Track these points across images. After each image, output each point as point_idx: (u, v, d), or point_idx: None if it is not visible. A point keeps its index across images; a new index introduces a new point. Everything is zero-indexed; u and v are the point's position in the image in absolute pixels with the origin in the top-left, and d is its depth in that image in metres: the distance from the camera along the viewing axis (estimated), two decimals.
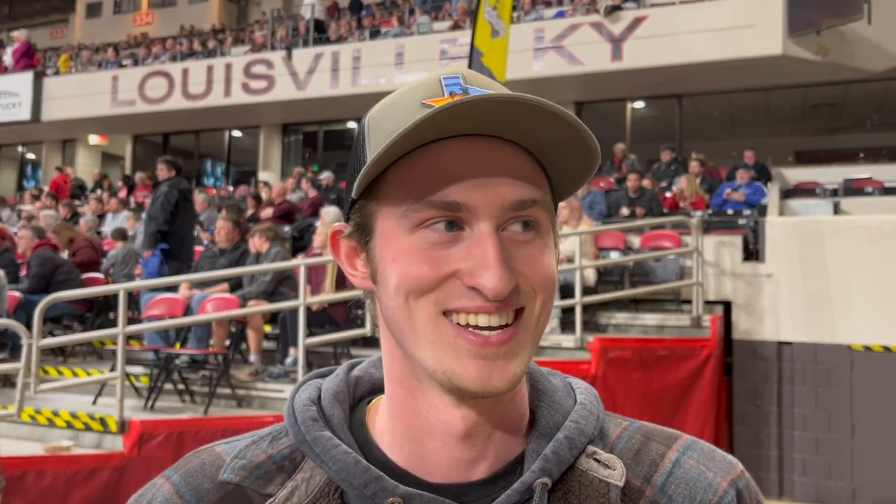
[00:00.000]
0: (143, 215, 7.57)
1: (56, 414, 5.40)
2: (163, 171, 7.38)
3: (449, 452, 0.63)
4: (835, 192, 10.40)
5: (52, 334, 6.79)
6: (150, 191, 13.61)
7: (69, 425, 5.31)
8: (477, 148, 0.59)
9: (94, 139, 19.08)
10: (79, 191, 15.28)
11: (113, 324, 6.23)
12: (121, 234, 8.21)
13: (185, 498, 0.65)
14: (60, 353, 7.24)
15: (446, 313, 0.59)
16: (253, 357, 6.16)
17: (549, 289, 0.62)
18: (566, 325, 6.89)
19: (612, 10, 12.38)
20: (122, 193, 14.29)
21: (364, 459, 0.63)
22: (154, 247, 7.05)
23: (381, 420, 0.67)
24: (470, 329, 0.59)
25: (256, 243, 6.57)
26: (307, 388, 0.70)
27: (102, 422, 5.18)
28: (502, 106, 0.56)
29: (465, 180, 0.59)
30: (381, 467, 0.63)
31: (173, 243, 7.17)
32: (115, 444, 5.02)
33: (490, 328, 0.59)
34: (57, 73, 18.52)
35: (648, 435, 0.69)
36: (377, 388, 0.71)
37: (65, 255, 7.93)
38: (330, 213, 8.10)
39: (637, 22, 12.24)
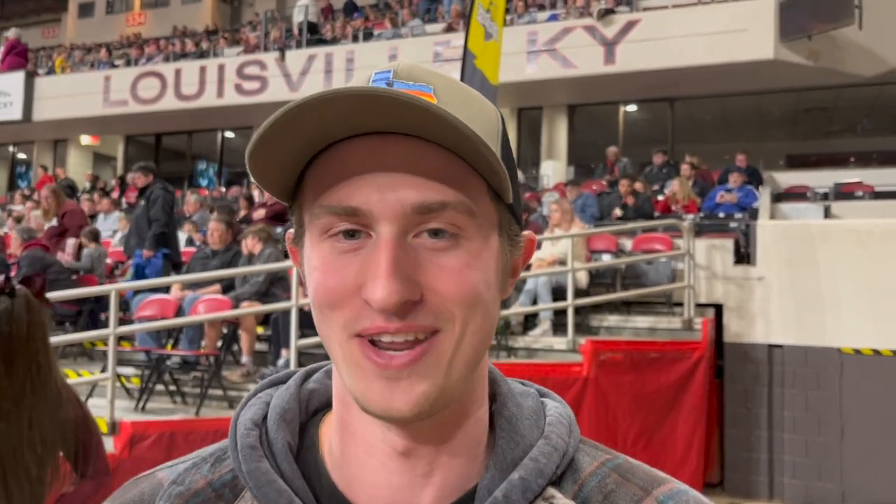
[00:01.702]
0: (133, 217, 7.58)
1: None
2: (141, 179, 7.47)
3: (388, 475, 0.58)
4: (825, 196, 10.46)
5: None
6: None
7: None
8: (383, 147, 0.53)
9: (85, 139, 19.01)
10: (69, 191, 15.22)
11: (104, 325, 6.21)
12: (94, 236, 8.10)
13: None
14: None
15: (357, 335, 0.54)
16: (245, 358, 6.15)
17: (470, 305, 0.54)
18: (558, 327, 6.91)
19: (605, 13, 12.43)
20: (115, 194, 14.23)
21: (297, 497, 0.57)
22: (157, 248, 7.12)
23: (329, 438, 0.62)
24: (373, 348, 0.53)
25: (249, 244, 6.56)
26: (253, 405, 0.64)
27: None
28: (352, 101, 0.50)
29: (366, 183, 0.53)
30: (327, 493, 0.59)
31: (171, 246, 7.31)
32: (107, 445, 4.99)
33: (394, 347, 0.53)
34: (49, 72, 18.45)
35: (627, 475, 0.60)
36: (332, 401, 0.64)
37: (54, 222, 8.12)
38: None
39: (630, 25, 12.28)
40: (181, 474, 0.61)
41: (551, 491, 0.58)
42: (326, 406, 0.65)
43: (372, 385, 0.53)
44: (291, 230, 0.61)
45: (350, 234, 0.54)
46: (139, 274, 7.16)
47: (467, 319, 0.54)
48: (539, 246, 6.75)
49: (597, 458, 0.62)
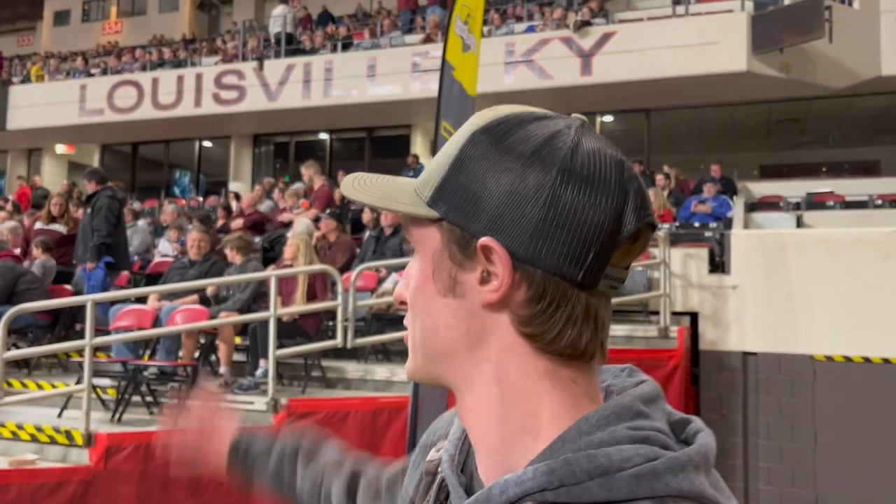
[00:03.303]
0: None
1: (20, 427, 5.31)
2: (92, 185, 7.32)
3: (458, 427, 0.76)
4: (798, 206, 10.64)
5: (16, 346, 6.68)
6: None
7: (34, 438, 5.22)
8: None
9: (61, 148, 18.82)
10: (43, 200, 15.04)
11: (79, 335, 6.15)
12: (45, 246, 7.89)
13: (439, 423, 0.84)
14: (25, 366, 7.12)
15: None
16: (223, 369, 6.12)
17: (412, 311, 0.71)
18: None
19: (582, 25, 12.57)
20: None
21: (457, 444, 0.74)
22: (98, 259, 6.99)
23: None
24: None
25: (229, 255, 6.57)
26: None
27: (68, 435, 5.11)
28: None
29: None
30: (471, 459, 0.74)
31: (116, 255, 7.17)
32: (81, 457, 4.95)
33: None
34: (24, 81, 18.25)
35: None
36: None
37: (65, 230, 8.08)
38: (301, 223, 8.10)
39: (606, 37, 12.44)
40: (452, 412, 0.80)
41: (528, 502, 0.59)
42: None
43: None
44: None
45: None
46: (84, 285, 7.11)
47: (415, 322, 0.70)
48: None
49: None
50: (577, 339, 0.64)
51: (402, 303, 0.72)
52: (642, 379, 0.70)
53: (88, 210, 7.26)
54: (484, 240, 0.63)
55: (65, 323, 7.33)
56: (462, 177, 0.65)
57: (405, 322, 0.73)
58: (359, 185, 0.73)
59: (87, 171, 7.66)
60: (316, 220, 8.71)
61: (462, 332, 0.66)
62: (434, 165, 0.69)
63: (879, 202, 10.30)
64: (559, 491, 0.59)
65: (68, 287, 7.66)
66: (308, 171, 10.21)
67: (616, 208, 0.63)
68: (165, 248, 9.64)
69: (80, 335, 5.77)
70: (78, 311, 6.76)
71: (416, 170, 12.18)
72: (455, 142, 0.68)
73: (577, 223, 0.61)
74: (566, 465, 0.59)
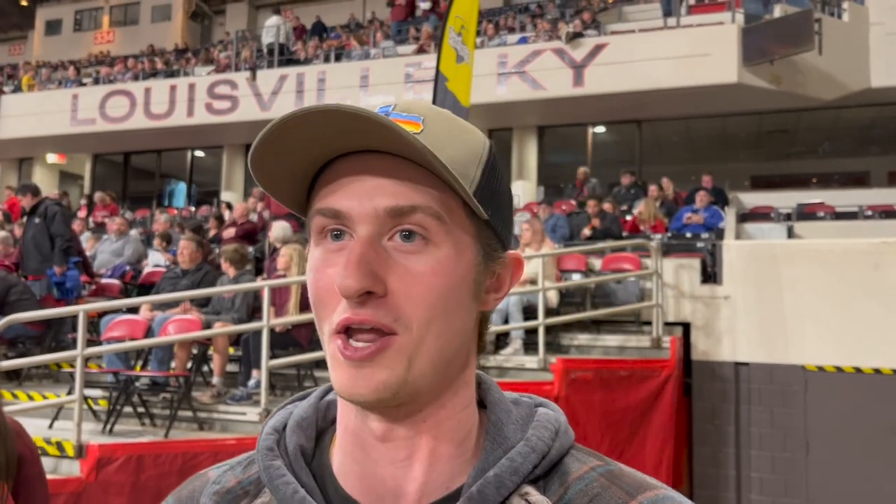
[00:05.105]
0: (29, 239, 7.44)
1: None
2: (29, 199, 7.46)
3: (374, 464, 0.64)
4: (789, 217, 10.71)
5: (6, 357, 6.64)
6: (109, 210, 13.42)
7: None
8: (367, 161, 0.61)
9: (52, 158, 18.76)
10: None
11: (70, 345, 6.12)
12: None
13: None
14: (15, 377, 7.08)
15: (335, 332, 0.61)
16: (215, 379, 6.10)
17: (429, 308, 0.60)
18: (529, 346, 6.96)
19: (574, 36, 12.65)
20: (82, 213, 14.03)
21: (302, 490, 0.64)
22: (67, 262, 7.20)
23: (336, 439, 0.69)
24: (346, 341, 0.60)
25: (223, 267, 6.57)
26: (279, 414, 0.72)
27: (59, 446, 5.07)
28: (328, 117, 0.58)
29: (349, 190, 0.61)
30: (331, 487, 0.65)
31: (77, 255, 7.46)
32: (73, 468, 4.92)
33: (362, 340, 0.60)
34: (16, 90, 18.20)
35: (615, 480, 0.63)
36: None
37: None
38: (277, 227, 8.09)
39: (598, 49, 12.51)
40: (220, 475, 0.70)
41: (527, 488, 0.62)
42: None
43: (342, 373, 0.60)
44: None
45: (337, 236, 0.62)
46: (61, 290, 7.24)
47: (427, 324, 0.60)
48: None
49: (587, 463, 0.65)
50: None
51: (366, 294, 0.59)
52: None
53: (37, 220, 7.35)
54: (516, 254, 0.68)
55: (55, 333, 7.29)
56: (494, 183, 0.66)
57: (379, 319, 0.59)
58: (438, 132, 0.62)
59: (19, 186, 7.85)
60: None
61: (469, 338, 0.66)
62: (460, 153, 0.63)
63: (869, 213, 10.38)
64: (542, 464, 0.63)
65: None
66: None
67: None
68: (156, 259, 9.61)
69: (72, 345, 5.75)
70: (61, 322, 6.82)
71: None
72: (470, 141, 0.65)
73: None
74: (539, 440, 0.64)
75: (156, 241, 9.84)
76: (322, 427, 0.71)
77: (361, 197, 0.60)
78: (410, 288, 0.59)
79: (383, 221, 0.60)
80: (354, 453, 0.65)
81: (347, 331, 0.60)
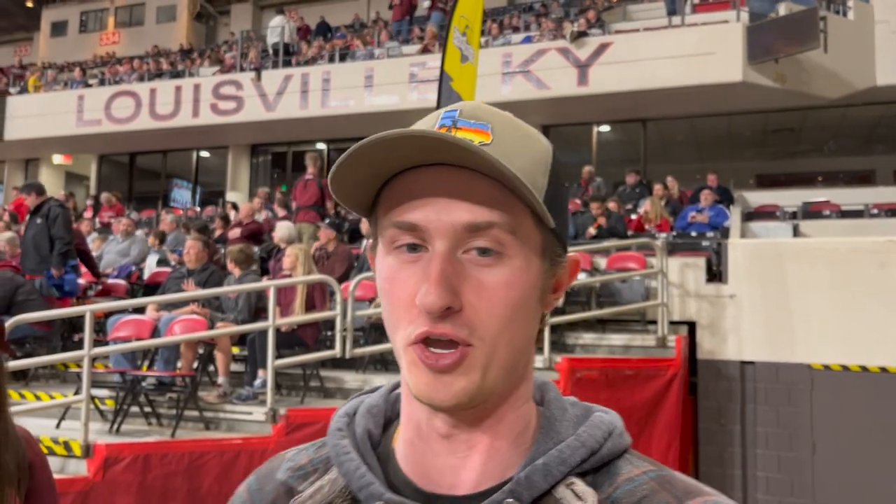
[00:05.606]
0: (28, 238, 7.47)
1: None
2: (33, 198, 7.44)
3: (434, 456, 0.67)
4: (794, 215, 10.68)
5: (14, 357, 6.66)
6: (115, 211, 13.46)
7: None
8: (440, 176, 0.63)
9: (58, 159, 18.83)
10: None
11: (77, 346, 6.15)
12: None
13: (253, 497, 0.76)
14: (22, 377, 7.11)
15: (412, 342, 0.64)
16: (221, 379, 6.12)
17: (502, 320, 0.62)
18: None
19: (578, 35, 12.64)
20: (88, 214, 14.08)
21: (365, 466, 0.68)
22: (64, 266, 7.20)
23: (400, 430, 0.73)
24: (425, 349, 0.63)
25: (229, 267, 6.59)
26: (352, 402, 0.78)
27: (66, 446, 5.10)
28: (420, 141, 0.60)
29: (425, 204, 0.62)
30: (392, 470, 0.69)
31: (75, 258, 7.49)
32: (80, 468, 4.95)
33: (441, 347, 0.62)
34: (22, 91, 18.27)
35: (665, 484, 0.64)
36: None
37: None
38: (281, 227, 8.11)
39: (602, 48, 12.50)
40: (295, 454, 0.77)
41: (573, 479, 0.65)
42: None
43: (422, 379, 0.63)
44: (370, 240, 0.72)
45: (412, 248, 0.64)
46: (61, 291, 7.28)
47: (500, 334, 0.63)
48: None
49: (639, 467, 0.67)
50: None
51: (447, 309, 0.61)
52: None
53: (38, 220, 7.33)
54: (573, 255, 0.70)
55: (62, 334, 7.33)
56: (558, 189, 0.68)
57: (455, 333, 0.62)
58: (507, 141, 0.64)
59: (24, 185, 7.85)
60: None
61: (533, 339, 0.69)
62: (527, 164, 0.64)
63: (875, 211, 10.35)
64: (591, 460, 0.66)
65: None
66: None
67: None
68: (153, 259, 9.57)
69: (79, 346, 5.77)
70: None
71: None
72: (537, 150, 0.67)
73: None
74: (590, 436, 0.67)
75: (150, 240, 9.85)
76: (389, 417, 0.75)
77: (439, 212, 0.62)
78: (485, 301, 0.62)
79: (460, 236, 0.62)
80: (416, 443, 0.69)
81: (426, 339, 0.63)
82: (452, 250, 0.62)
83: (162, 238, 9.79)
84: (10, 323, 5.07)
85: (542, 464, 0.64)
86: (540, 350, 6.74)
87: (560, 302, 7.37)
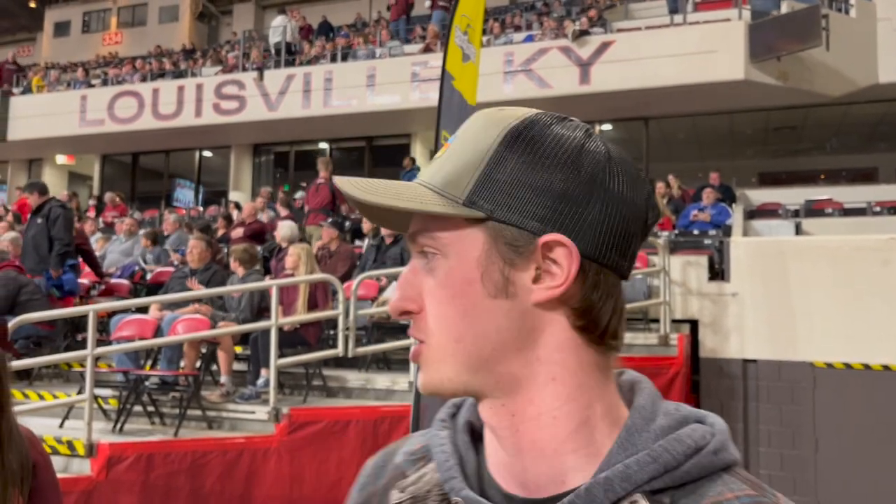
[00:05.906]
0: (28, 237, 7.48)
1: None
2: (36, 197, 7.41)
3: (495, 450, 0.69)
4: (796, 213, 10.67)
5: (17, 356, 6.68)
6: (119, 211, 13.49)
7: None
8: None
9: (61, 159, 18.87)
10: None
11: (80, 346, 6.16)
12: None
13: (377, 473, 0.79)
14: (26, 376, 7.13)
15: None
16: (224, 378, 6.13)
17: (441, 320, 0.65)
18: None
19: (580, 34, 12.63)
20: (91, 213, 14.11)
21: (453, 459, 0.70)
22: (62, 267, 7.18)
23: None
24: None
25: (232, 266, 6.60)
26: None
27: (70, 445, 5.11)
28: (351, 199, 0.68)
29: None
30: (482, 469, 0.70)
31: (74, 258, 7.50)
32: (83, 467, 4.96)
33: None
34: (25, 91, 18.31)
35: None
36: None
37: None
38: (284, 227, 8.12)
39: (604, 47, 12.50)
40: (413, 439, 0.79)
41: (637, 496, 0.61)
42: None
43: None
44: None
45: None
46: (61, 291, 7.28)
47: (443, 331, 0.66)
48: None
49: (734, 490, 0.62)
50: (618, 327, 0.69)
51: (405, 313, 0.67)
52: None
53: (39, 220, 7.31)
54: (553, 237, 0.63)
55: (65, 333, 7.35)
56: (505, 175, 0.64)
57: (415, 334, 0.68)
58: (365, 187, 0.67)
59: (27, 184, 7.86)
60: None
61: (514, 334, 0.64)
62: (458, 165, 0.66)
63: (877, 209, 10.34)
64: (664, 478, 0.61)
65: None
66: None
67: (649, 201, 0.69)
68: (146, 259, 9.56)
69: (82, 345, 5.79)
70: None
71: (410, 172, 12.17)
72: (482, 141, 0.66)
73: (626, 218, 0.65)
74: (665, 451, 0.62)
75: (142, 241, 9.84)
76: None
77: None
78: (428, 301, 0.66)
79: (414, 245, 0.69)
80: (490, 436, 0.70)
81: None
82: (418, 258, 0.68)
83: (154, 238, 9.78)
84: (13, 323, 5.08)
85: (605, 478, 0.61)
86: None
87: None
